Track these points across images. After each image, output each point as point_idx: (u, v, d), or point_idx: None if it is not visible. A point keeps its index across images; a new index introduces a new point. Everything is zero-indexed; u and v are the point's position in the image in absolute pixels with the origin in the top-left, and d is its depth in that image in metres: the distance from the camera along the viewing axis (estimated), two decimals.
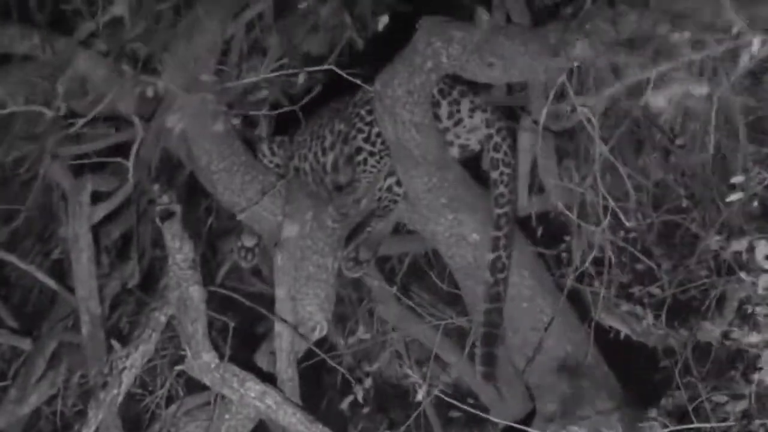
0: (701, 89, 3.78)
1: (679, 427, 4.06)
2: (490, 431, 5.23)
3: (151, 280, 5.11)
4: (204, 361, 4.54)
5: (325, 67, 4.66)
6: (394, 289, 5.19)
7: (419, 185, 4.58)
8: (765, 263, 3.92)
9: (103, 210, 4.90)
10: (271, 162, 4.97)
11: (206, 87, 4.69)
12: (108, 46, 4.76)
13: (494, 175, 4.60)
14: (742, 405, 4.38)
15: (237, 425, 4.70)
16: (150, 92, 4.64)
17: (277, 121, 5.14)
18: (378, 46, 5.20)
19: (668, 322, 4.96)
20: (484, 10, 4.23)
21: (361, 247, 4.76)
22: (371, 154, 4.64)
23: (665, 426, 4.24)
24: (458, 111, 4.59)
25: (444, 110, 4.59)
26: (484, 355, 4.56)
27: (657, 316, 4.99)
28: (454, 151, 4.63)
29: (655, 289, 5.02)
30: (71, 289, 4.89)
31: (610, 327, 5.01)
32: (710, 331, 4.87)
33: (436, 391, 5.11)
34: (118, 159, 4.77)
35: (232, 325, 4.64)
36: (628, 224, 4.51)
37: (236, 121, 4.99)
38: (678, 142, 5.01)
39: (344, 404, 5.41)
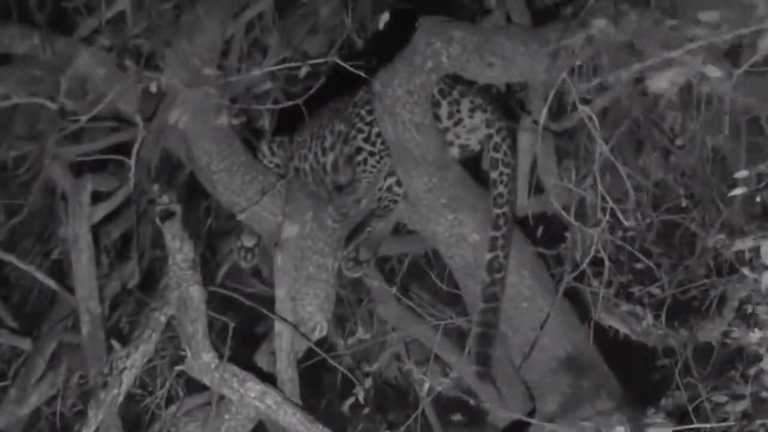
0: (715, 71, 3.75)
1: (679, 428, 4.05)
2: (490, 431, 5.24)
3: (151, 280, 5.11)
4: (204, 361, 4.54)
5: (327, 59, 4.66)
6: (394, 289, 5.19)
7: (419, 185, 4.58)
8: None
9: (103, 210, 4.90)
10: (271, 162, 4.97)
11: (209, 81, 4.68)
12: (111, 42, 4.75)
13: (494, 175, 4.60)
14: (742, 405, 4.38)
15: (237, 425, 4.69)
16: (153, 87, 4.63)
17: (279, 120, 5.15)
18: (377, 46, 5.21)
19: (668, 322, 4.97)
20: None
21: (361, 247, 4.76)
22: (371, 154, 4.64)
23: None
24: (458, 111, 4.59)
25: (444, 110, 4.59)
26: (478, 354, 4.56)
27: (657, 316, 4.99)
28: (454, 151, 4.64)
29: (654, 289, 5.02)
30: (71, 289, 4.89)
31: (610, 327, 5.02)
32: (710, 330, 4.88)
33: (440, 388, 5.12)
34: (120, 157, 4.77)
35: (232, 325, 4.63)
36: (627, 224, 4.51)
37: (236, 121, 4.99)
38: (678, 142, 5.02)
39: (345, 406, 5.41)
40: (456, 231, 4.65)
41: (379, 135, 4.60)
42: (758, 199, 4.15)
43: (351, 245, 4.77)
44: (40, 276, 5.00)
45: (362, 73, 4.37)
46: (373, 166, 4.65)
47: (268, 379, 4.64)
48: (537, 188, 4.87)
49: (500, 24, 4.68)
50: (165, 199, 4.35)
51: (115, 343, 4.61)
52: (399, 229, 4.99)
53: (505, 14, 4.70)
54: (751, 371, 4.23)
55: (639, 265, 5.00)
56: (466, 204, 4.63)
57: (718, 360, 4.81)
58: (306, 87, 5.05)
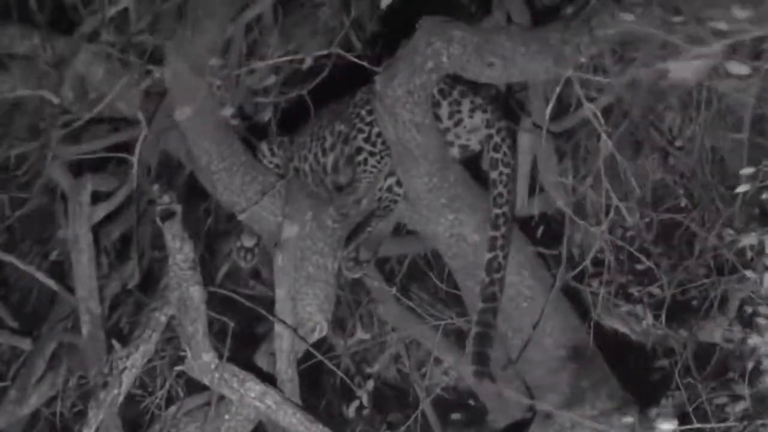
0: (740, 68, 3.75)
1: (679, 428, 4.06)
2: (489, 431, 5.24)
3: (151, 280, 5.11)
4: (204, 361, 4.54)
5: (330, 50, 4.66)
6: (394, 289, 5.19)
7: (420, 185, 4.58)
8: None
9: (103, 210, 4.90)
10: (271, 162, 4.97)
11: (213, 71, 4.68)
12: (115, 39, 4.75)
13: (493, 175, 4.60)
14: (741, 405, 4.38)
15: (237, 426, 4.69)
16: (158, 74, 4.59)
17: (278, 121, 5.16)
18: (377, 46, 5.22)
19: (668, 322, 4.97)
20: None
21: (361, 248, 4.76)
22: (371, 154, 4.64)
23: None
24: (459, 111, 4.60)
25: (444, 110, 4.59)
26: (476, 354, 4.56)
27: (657, 317, 5.00)
28: (455, 152, 4.64)
29: (654, 289, 5.03)
30: (71, 290, 4.89)
31: (610, 327, 5.02)
32: (710, 331, 4.88)
33: (439, 389, 5.12)
34: (123, 155, 4.78)
35: (231, 325, 4.63)
36: (628, 222, 4.51)
37: (236, 122, 4.99)
38: (677, 143, 5.03)
39: (350, 410, 5.41)
40: (456, 231, 4.65)
41: (379, 135, 4.60)
42: (764, 196, 4.16)
43: (351, 245, 4.77)
44: (40, 276, 5.00)
45: (366, 64, 4.38)
46: (373, 167, 4.65)
47: (268, 379, 4.63)
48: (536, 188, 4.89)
49: (500, 24, 4.69)
50: (165, 199, 4.35)
51: (115, 343, 4.60)
52: (399, 230, 4.99)
53: (505, 14, 4.70)
54: (752, 372, 4.24)
55: (639, 266, 5.01)
56: (466, 204, 4.64)
57: (718, 360, 4.82)
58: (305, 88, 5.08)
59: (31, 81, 4.78)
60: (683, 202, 5.05)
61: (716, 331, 4.85)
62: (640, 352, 5.06)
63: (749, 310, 4.44)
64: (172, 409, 4.86)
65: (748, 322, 4.50)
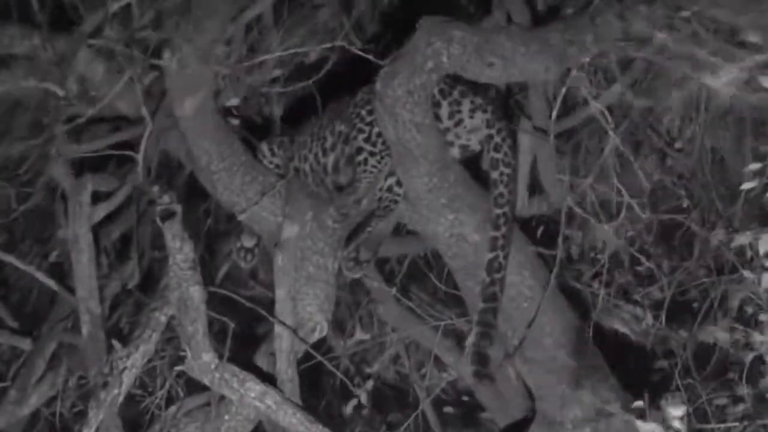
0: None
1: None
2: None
3: (151, 280, 5.11)
4: (204, 361, 4.54)
5: (336, 43, 4.66)
6: (394, 290, 5.19)
7: (420, 185, 4.58)
8: (767, 261, 3.93)
9: (103, 210, 4.90)
10: (271, 162, 4.97)
11: (218, 60, 4.67)
12: (118, 35, 4.75)
13: (494, 175, 4.59)
14: (742, 406, 4.38)
15: (237, 426, 4.69)
16: (164, 63, 4.57)
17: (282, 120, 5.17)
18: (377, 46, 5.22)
19: (668, 322, 4.97)
20: None
21: (362, 248, 4.76)
22: (372, 154, 4.64)
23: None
24: (459, 111, 4.59)
25: (445, 110, 4.59)
26: (476, 354, 4.56)
27: (656, 317, 5.00)
28: (455, 152, 4.64)
29: (655, 292, 5.03)
30: (71, 290, 4.89)
31: (610, 327, 5.02)
32: (710, 332, 4.88)
33: (438, 389, 5.12)
34: (128, 152, 4.78)
35: (232, 325, 4.63)
36: (641, 219, 4.52)
37: (236, 122, 4.99)
38: (677, 144, 5.03)
39: (347, 409, 5.41)
40: (456, 231, 4.65)
41: (379, 135, 4.60)
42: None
43: (351, 245, 4.77)
44: (40, 276, 5.00)
45: (370, 57, 4.38)
46: (373, 167, 4.64)
47: (268, 379, 4.63)
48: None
49: (500, 24, 4.69)
50: (165, 199, 4.35)
51: (115, 343, 4.60)
52: (399, 230, 4.99)
53: (505, 14, 4.71)
54: (752, 372, 4.25)
55: (639, 267, 5.01)
56: (467, 204, 4.63)
57: (717, 361, 4.82)
58: (304, 90, 5.08)
59: (35, 77, 4.78)
60: (685, 203, 5.06)
61: (717, 332, 4.84)
62: (640, 353, 5.06)
63: (749, 310, 4.43)
64: (172, 409, 4.86)
65: (748, 322, 4.50)
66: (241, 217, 4.82)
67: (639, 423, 3.94)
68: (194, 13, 4.47)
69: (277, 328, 4.64)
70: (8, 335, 5.15)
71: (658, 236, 5.15)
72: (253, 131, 5.06)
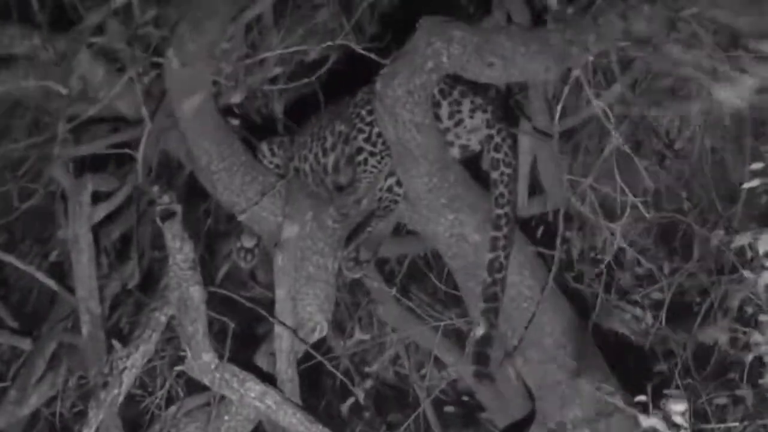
0: None
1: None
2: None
3: (151, 280, 5.11)
4: (204, 361, 4.54)
5: (336, 42, 4.66)
6: (394, 290, 5.19)
7: (420, 185, 4.58)
8: (766, 260, 3.93)
9: (103, 210, 4.90)
10: (271, 162, 4.97)
11: (221, 57, 4.67)
12: (119, 32, 4.75)
13: (494, 175, 4.59)
14: (742, 406, 4.38)
15: (237, 426, 4.69)
16: (165, 61, 4.57)
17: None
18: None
19: (668, 323, 4.97)
20: None
21: (362, 248, 4.76)
22: (372, 154, 4.64)
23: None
24: (459, 111, 4.59)
25: (445, 110, 4.59)
26: (477, 354, 4.56)
27: (656, 317, 5.00)
28: (455, 152, 4.64)
29: (655, 292, 5.03)
30: (71, 290, 4.89)
31: (610, 328, 5.02)
32: (711, 332, 4.88)
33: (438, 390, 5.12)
34: (128, 151, 4.78)
35: (232, 326, 4.63)
36: (635, 221, 4.52)
37: (236, 122, 4.99)
38: (676, 145, 5.03)
39: (344, 407, 5.41)
40: (456, 231, 4.65)
41: (379, 135, 4.60)
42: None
43: (351, 245, 4.77)
44: (40, 276, 5.00)
45: (373, 55, 4.37)
46: (373, 167, 4.64)
47: (268, 379, 4.63)
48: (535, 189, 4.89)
49: (500, 24, 4.69)
50: (165, 199, 4.35)
51: (115, 343, 4.60)
52: (399, 230, 4.99)
53: (505, 14, 4.71)
54: (753, 372, 4.24)
55: (639, 268, 5.01)
56: (467, 204, 4.63)
57: (717, 361, 4.82)
58: (305, 91, 5.08)
59: (35, 77, 4.78)
60: (686, 205, 5.05)
61: (718, 333, 4.84)
62: (640, 353, 5.06)
63: (749, 310, 4.43)
64: (172, 409, 4.86)
65: (748, 323, 4.50)
66: (241, 217, 4.82)
67: (641, 417, 3.92)
68: (194, 13, 4.46)
69: (277, 328, 4.64)
70: (8, 335, 5.14)
71: (657, 237, 5.15)
72: (253, 131, 5.06)
